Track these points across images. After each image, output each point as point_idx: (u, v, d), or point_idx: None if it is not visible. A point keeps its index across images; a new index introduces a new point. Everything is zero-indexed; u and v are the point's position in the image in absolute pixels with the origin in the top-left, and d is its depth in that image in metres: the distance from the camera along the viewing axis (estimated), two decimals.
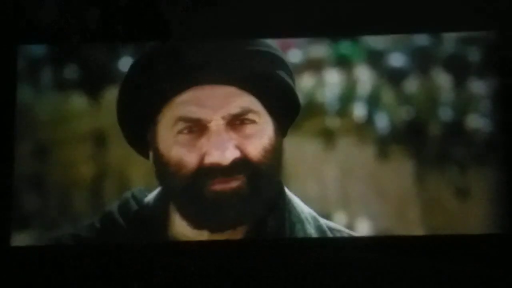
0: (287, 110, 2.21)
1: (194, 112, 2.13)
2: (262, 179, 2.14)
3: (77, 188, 2.44)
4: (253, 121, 2.14)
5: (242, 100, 2.15)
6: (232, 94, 2.15)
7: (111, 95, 2.37)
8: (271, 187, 2.18)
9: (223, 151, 2.11)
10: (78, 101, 2.49)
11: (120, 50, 2.49)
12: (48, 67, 2.53)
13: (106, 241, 2.25)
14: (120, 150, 2.38)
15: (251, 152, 2.13)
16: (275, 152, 2.16)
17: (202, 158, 2.13)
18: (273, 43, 2.27)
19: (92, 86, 2.48)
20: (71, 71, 2.51)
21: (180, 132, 2.13)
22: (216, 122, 2.13)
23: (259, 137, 2.14)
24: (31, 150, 2.49)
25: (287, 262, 2.41)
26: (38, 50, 2.54)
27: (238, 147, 2.13)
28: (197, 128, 2.13)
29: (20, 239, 2.44)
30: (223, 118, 2.14)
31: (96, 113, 2.47)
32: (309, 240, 2.23)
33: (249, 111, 2.14)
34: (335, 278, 2.38)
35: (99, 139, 2.46)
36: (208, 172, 2.13)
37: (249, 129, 2.14)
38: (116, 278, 2.39)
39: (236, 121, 2.14)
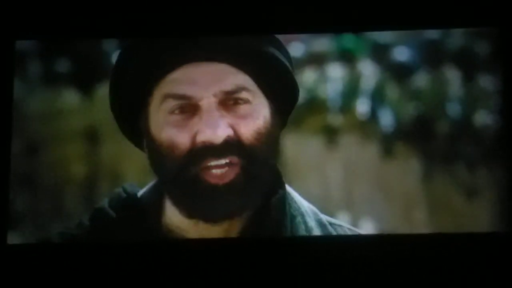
0: (284, 93, 2.09)
1: (183, 89, 2.02)
2: (257, 162, 2.02)
3: (69, 186, 2.36)
4: (247, 101, 2.03)
5: (236, 78, 2.04)
6: (225, 72, 2.04)
7: (104, 90, 2.29)
8: (267, 171, 2.06)
9: (214, 128, 2.00)
10: (69, 97, 2.42)
11: (113, 45, 2.41)
12: (38, 62, 2.45)
13: (100, 238, 2.14)
14: (113, 147, 2.33)
15: (244, 133, 2.02)
16: (271, 136, 2.05)
17: (194, 137, 2.02)
18: None
19: (84, 82, 2.41)
20: (62, 66, 2.44)
21: (171, 112, 2.03)
22: (208, 100, 2.02)
23: (254, 118, 2.03)
24: (21, 148, 2.41)
25: (287, 260, 2.33)
26: (27, 44, 2.47)
27: (231, 126, 2.02)
28: (188, 107, 2.02)
29: (12, 239, 2.36)
30: (214, 95, 2.02)
31: (89, 109, 2.40)
32: (310, 238, 2.13)
33: (242, 89, 2.03)
34: (337, 277, 2.31)
35: (92, 136, 2.39)
36: (200, 152, 2.01)
37: (242, 109, 2.03)
38: (112, 276, 2.32)
39: (229, 101, 2.03)
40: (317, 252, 2.28)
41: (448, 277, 2.31)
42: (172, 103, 2.03)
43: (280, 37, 2.21)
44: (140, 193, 2.11)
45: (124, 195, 2.10)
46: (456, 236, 2.33)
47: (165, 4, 2.52)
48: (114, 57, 2.33)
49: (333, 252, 2.28)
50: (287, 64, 2.09)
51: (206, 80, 2.03)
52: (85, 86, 2.42)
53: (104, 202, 2.11)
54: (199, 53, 2.06)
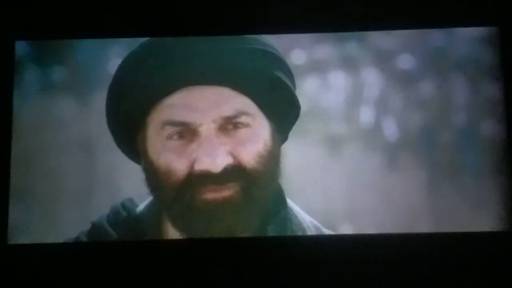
0: (285, 113, 2.08)
1: (182, 115, 2.01)
2: (257, 186, 2.02)
3: (64, 198, 2.32)
4: (247, 125, 2.02)
5: (236, 102, 2.02)
6: (224, 96, 2.02)
7: (102, 100, 2.24)
8: (268, 195, 2.05)
9: (213, 158, 1.99)
10: (66, 107, 2.38)
11: (112, 50, 2.35)
12: (32, 66, 2.40)
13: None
14: (110, 159, 2.28)
15: (244, 158, 2.01)
16: (272, 158, 2.04)
17: (192, 165, 2.01)
18: (274, 41, 2.14)
19: (81, 90, 2.36)
20: (59, 75, 2.38)
21: (170, 137, 2.01)
22: (207, 126, 2.00)
23: (254, 141, 2.02)
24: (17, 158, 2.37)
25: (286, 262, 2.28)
26: (25, 51, 2.42)
27: (230, 153, 2.00)
28: (187, 133, 2.01)
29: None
30: (214, 121, 2.01)
31: (86, 118, 2.36)
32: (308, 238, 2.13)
33: (242, 113, 2.01)
34: (337, 278, 2.27)
35: (88, 147, 2.35)
36: (198, 180, 2.00)
37: (242, 133, 2.01)
38: (112, 276, 2.28)
39: (229, 125, 2.01)
40: (314, 253, 2.24)
41: (448, 278, 2.28)
42: (170, 129, 2.01)
43: (282, 42, 2.19)
44: (139, 209, 2.10)
45: (124, 213, 2.09)
46: (457, 235, 2.29)
47: (164, 4, 2.46)
48: (112, 64, 2.28)
49: (333, 252, 2.25)
50: (289, 82, 2.07)
51: (205, 105, 2.01)
52: (83, 95, 2.37)
53: (102, 218, 2.10)
54: (198, 75, 2.03)
